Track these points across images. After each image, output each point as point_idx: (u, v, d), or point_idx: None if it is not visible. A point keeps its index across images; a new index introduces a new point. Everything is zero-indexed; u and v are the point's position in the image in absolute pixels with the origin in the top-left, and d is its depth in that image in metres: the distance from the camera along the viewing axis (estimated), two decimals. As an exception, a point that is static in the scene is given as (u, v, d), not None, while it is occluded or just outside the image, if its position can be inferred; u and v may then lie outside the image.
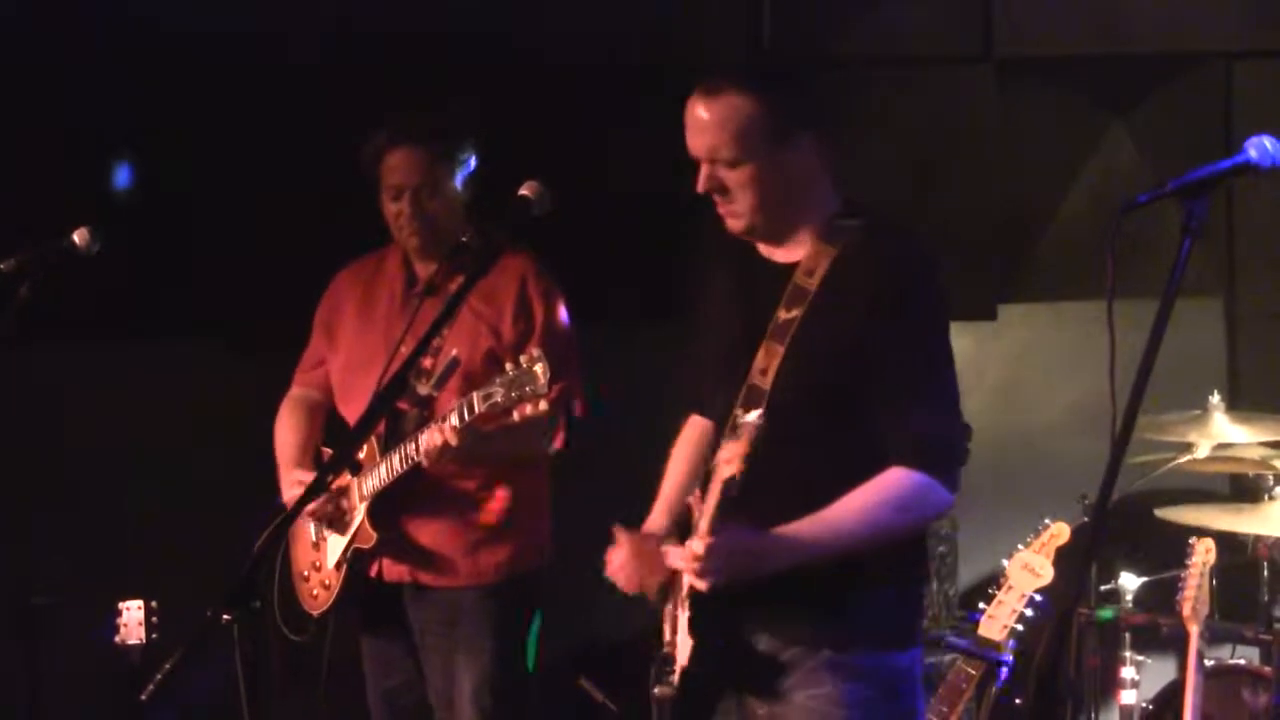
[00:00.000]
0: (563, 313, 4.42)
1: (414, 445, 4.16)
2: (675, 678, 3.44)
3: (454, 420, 4.04)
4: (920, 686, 3.50)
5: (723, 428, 3.47)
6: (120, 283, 4.88)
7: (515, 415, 3.96)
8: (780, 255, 3.50)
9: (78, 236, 4.05)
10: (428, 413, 4.24)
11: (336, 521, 4.35)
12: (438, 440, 4.08)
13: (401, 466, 4.20)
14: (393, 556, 4.37)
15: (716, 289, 3.65)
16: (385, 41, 5.50)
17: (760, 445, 3.25)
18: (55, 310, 4.12)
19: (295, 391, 4.65)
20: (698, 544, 3.29)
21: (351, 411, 4.44)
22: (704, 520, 3.32)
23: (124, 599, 4.73)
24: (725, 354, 3.53)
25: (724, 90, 3.38)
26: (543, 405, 3.94)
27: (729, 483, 3.27)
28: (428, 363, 4.23)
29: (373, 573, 4.40)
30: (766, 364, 3.41)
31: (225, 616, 3.06)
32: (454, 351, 4.16)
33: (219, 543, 3.99)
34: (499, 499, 4.40)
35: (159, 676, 3.09)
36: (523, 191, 3.59)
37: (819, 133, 3.46)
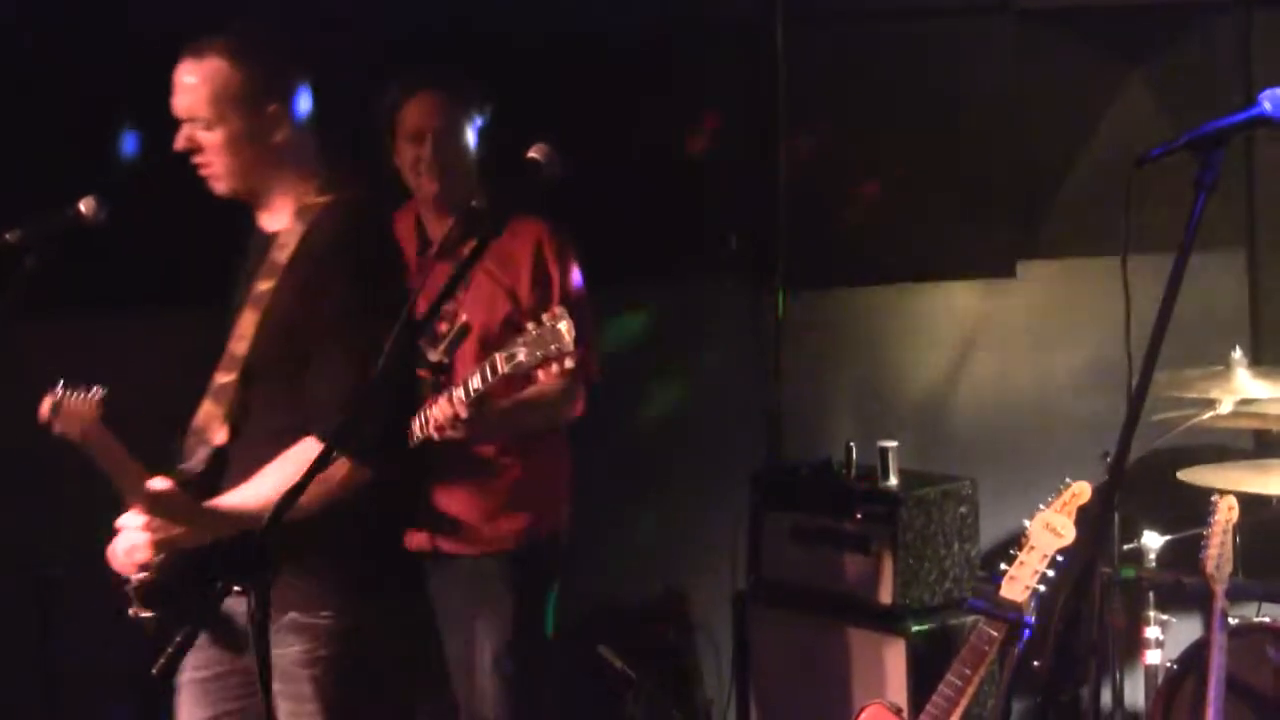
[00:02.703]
0: (578, 276, 4.39)
1: (430, 414, 4.13)
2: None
3: (474, 384, 4.00)
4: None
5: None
6: (130, 251, 4.84)
7: (540, 374, 3.95)
8: (268, 224, 3.66)
9: (84, 205, 4.01)
10: (444, 378, 4.21)
11: None
12: (447, 411, 4.05)
13: (420, 434, 4.17)
14: (413, 524, 4.34)
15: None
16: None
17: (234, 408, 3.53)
18: (65, 280, 4.08)
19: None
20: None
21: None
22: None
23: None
24: (229, 323, 3.69)
25: (207, 54, 3.53)
26: (569, 363, 3.91)
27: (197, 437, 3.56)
28: (442, 327, 4.21)
29: None
30: (245, 330, 3.58)
31: (237, 588, 3.02)
32: (464, 317, 4.13)
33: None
34: (519, 465, 4.37)
35: (170, 650, 3.05)
36: (531, 154, 3.56)
37: (287, 104, 3.58)
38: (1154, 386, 2.93)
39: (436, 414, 4.09)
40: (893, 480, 5.18)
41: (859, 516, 5.13)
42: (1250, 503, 4.67)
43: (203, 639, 3.55)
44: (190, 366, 5.10)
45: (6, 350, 3.64)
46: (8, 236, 3.87)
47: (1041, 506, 4.19)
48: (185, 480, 3.53)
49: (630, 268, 5.48)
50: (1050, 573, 4.11)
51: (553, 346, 3.88)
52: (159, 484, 3.43)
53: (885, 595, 5.05)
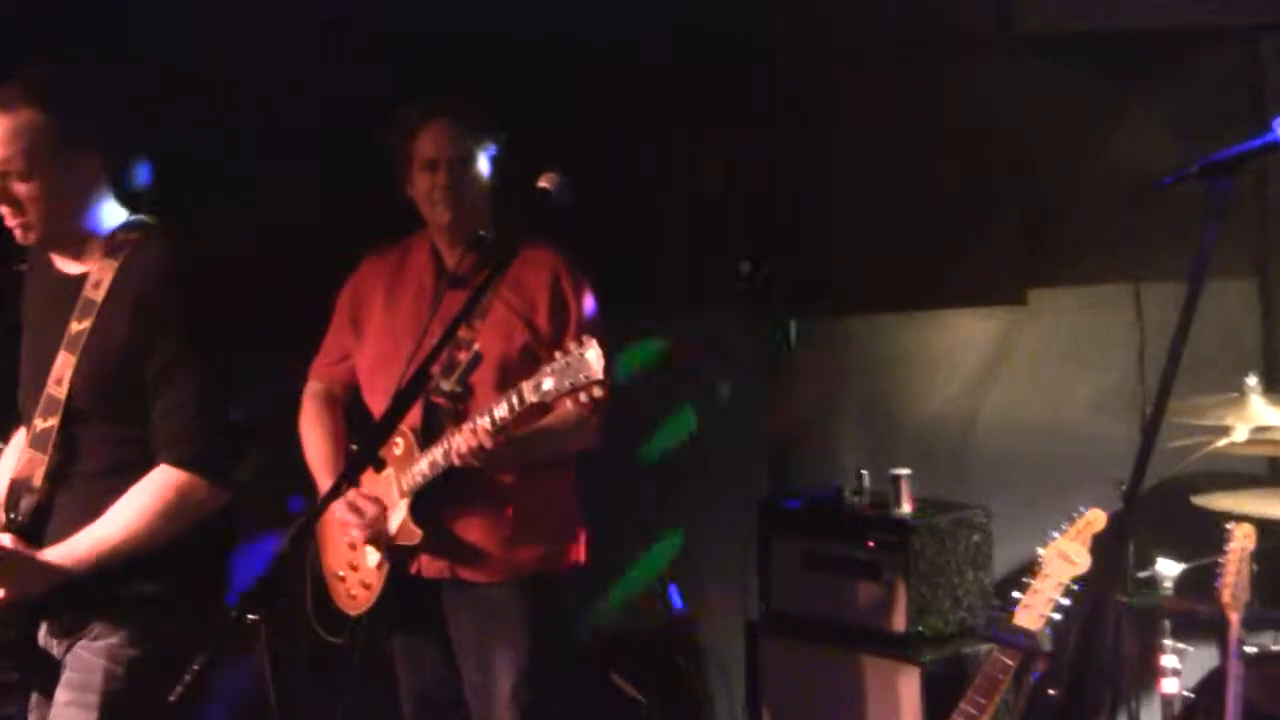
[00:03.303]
0: (593, 304, 4.40)
1: (452, 443, 4.13)
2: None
3: (499, 413, 4.01)
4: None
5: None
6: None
7: (569, 403, 3.94)
8: (71, 267, 3.64)
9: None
10: (462, 407, 4.21)
11: (377, 524, 4.30)
12: (471, 443, 4.05)
13: (444, 463, 4.17)
14: (432, 553, 4.33)
15: (24, 298, 3.80)
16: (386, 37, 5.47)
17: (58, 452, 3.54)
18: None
19: (317, 386, 4.60)
20: None
21: (378, 404, 4.40)
22: None
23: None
24: (29, 367, 3.70)
25: (17, 103, 3.47)
26: (598, 392, 3.90)
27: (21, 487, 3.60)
28: (459, 355, 4.21)
29: (412, 570, 4.36)
30: (62, 373, 3.57)
31: (251, 616, 3.03)
32: (476, 346, 4.13)
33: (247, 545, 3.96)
34: (536, 493, 4.36)
35: (187, 678, 3.07)
36: (541, 183, 3.57)
37: (102, 148, 3.58)
38: (1168, 413, 2.92)
39: (460, 444, 4.08)
40: (905, 508, 5.17)
41: (871, 544, 5.12)
42: (1266, 529, 4.65)
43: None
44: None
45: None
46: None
47: (1056, 534, 4.17)
48: (16, 529, 3.57)
49: (637, 297, 5.48)
50: (1065, 601, 4.10)
51: (581, 375, 3.88)
52: (4, 540, 3.49)
53: (898, 623, 5.04)
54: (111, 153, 3.61)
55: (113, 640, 3.55)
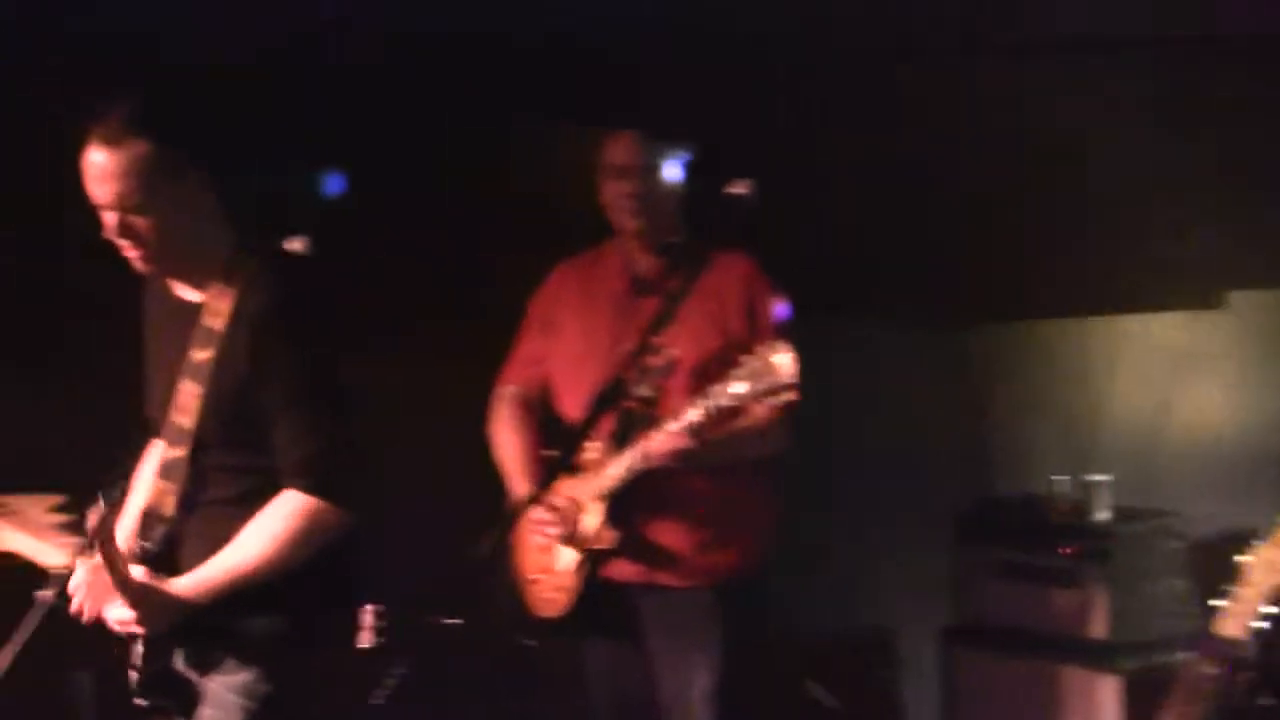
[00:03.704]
0: (784, 308, 4.40)
1: (648, 446, 4.15)
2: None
3: (693, 417, 4.03)
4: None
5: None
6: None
7: (764, 406, 3.95)
8: (188, 293, 3.61)
9: (296, 244, 4.08)
10: (655, 411, 4.23)
11: (572, 526, 4.35)
12: (671, 444, 4.08)
13: (639, 465, 4.20)
14: (627, 557, 4.35)
15: (144, 325, 3.77)
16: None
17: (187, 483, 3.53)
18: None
19: (510, 390, 4.64)
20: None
21: (573, 410, 4.43)
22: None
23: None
24: (156, 393, 3.66)
25: (123, 137, 3.42)
26: (792, 396, 3.91)
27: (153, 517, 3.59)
28: (649, 361, 4.23)
29: (607, 574, 4.38)
30: (187, 402, 3.53)
31: (455, 620, 3.07)
32: (675, 351, 4.16)
33: (440, 547, 4.00)
34: (730, 496, 4.37)
35: (389, 681, 3.11)
36: (735, 189, 3.59)
37: (210, 170, 3.54)
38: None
39: (658, 445, 4.11)
40: (1104, 514, 5.10)
41: (1069, 552, 5.06)
42: None
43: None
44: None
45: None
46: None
47: (1258, 542, 4.10)
48: (150, 560, 3.57)
49: (827, 303, 5.47)
50: (1271, 609, 4.02)
51: (774, 380, 3.88)
52: (139, 574, 3.49)
53: (1098, 632, 4.98)
54: (219, 174, 3.58)
55: (247, 677, 3.54)
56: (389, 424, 4.65)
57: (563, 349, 4.54)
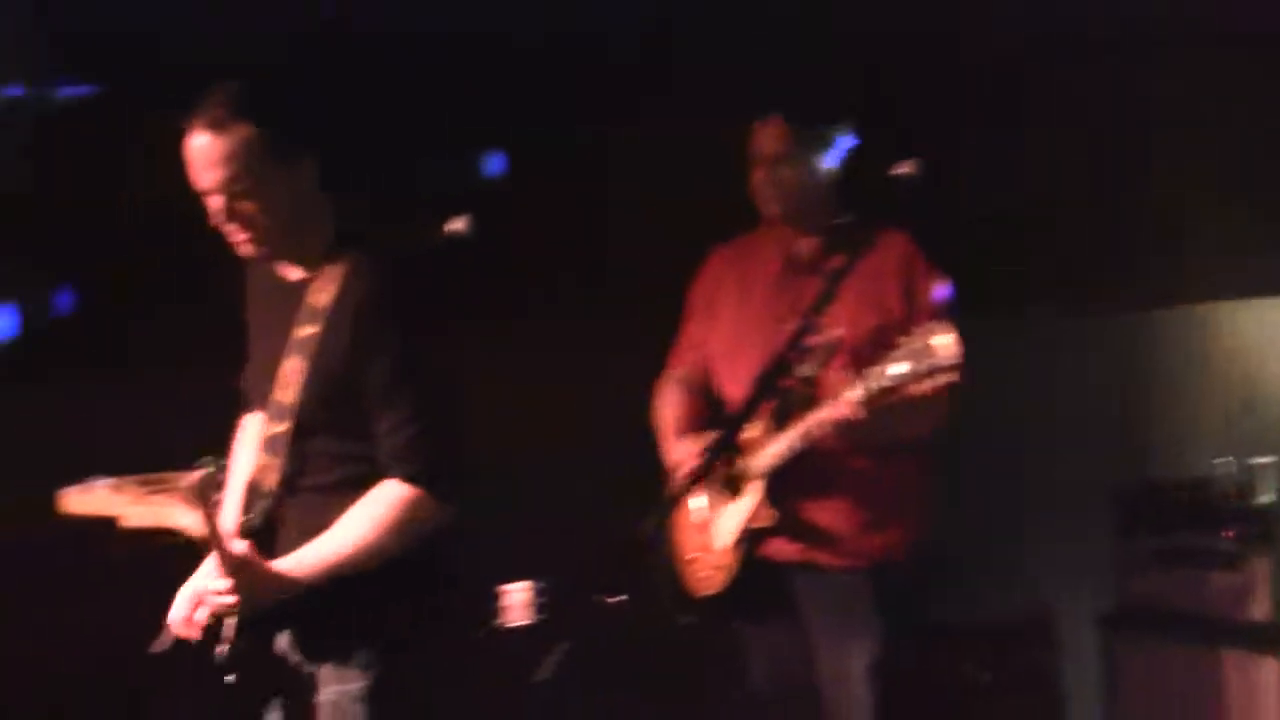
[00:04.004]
0: (945, 289, 4.39)
1: (812, 421, 4.16)
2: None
3: (858, 393, 4.04)
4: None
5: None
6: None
7: (924, 387, 3.94)
8: (292, 273, 3.59)
9: (459, 224, 4.09)
10: (814, 390, 4.23)
11: (731, 501, 4.37)
12: (839, 414, 4.08)
13: (799, 443, 4.21)
14: (786, 536, 4.36)
15: (245, 304, 3.76)
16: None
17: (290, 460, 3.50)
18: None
19: (676, 372, 4.67)
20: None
21: (733, 391, 4.45)
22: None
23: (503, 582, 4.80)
24: (256, 369, 3.67)
25: (229, 121, 3.41)
26: (953, 377, 3.90)
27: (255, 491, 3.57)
28: (810, 341, 4.23)
29: (765, 553, 4.40)
30: (290, 378, 3.51)
31: (619, 598, 3.08)
32: (838, 331, 4.16)
33: (600, 524, 4.03)
34: (889, 477, 4.36)
35: (552, 659, 3.13)
36: (901, 169, 3.58)
37: (314, 153, 3.53)
38: None
39: (818, 425, 4.12)
40: (1268, 497, 5.04)
41: (1231, 535, 5.01)
42: None
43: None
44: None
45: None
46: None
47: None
48: (252, 534, 3.55)
49: (988, 288, 5.44)
50: None
51: (934, 361, 3.87)
52: (240, 547, 3.46)
53: (1260, 614, 4.93)
54: (324, 156, 3.56)
55: (359, 664, 3.48)
56: (561, 403, 4.72)
57: (721, 331, 4.55)
